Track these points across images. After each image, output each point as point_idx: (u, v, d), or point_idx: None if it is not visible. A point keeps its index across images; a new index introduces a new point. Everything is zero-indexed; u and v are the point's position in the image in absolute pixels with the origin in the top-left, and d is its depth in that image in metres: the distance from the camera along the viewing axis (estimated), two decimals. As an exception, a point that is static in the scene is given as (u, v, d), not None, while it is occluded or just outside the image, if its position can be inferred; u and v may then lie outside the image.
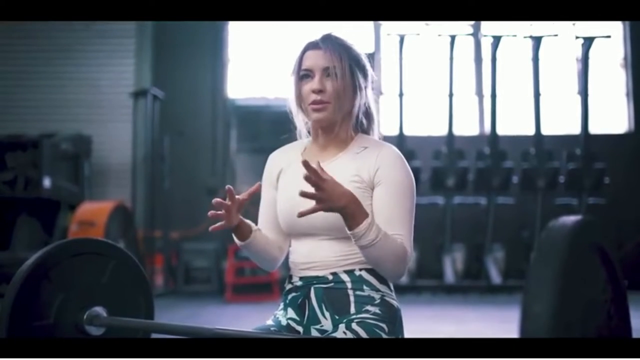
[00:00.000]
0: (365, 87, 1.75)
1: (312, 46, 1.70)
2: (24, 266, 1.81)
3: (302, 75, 1.69)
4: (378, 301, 1.67)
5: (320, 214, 1.57)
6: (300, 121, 1.79)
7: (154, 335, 1.98)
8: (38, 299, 1.80)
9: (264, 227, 1.82)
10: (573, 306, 1.11)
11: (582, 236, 1.19)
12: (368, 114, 1.80)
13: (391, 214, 1.63)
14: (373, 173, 1.66)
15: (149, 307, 2.04)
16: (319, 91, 1.66)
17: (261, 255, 1.78)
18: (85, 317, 1.84)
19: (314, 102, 1.67)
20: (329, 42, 1.69)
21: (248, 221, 1.75)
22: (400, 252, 1.60)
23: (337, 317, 1.67)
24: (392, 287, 1.73)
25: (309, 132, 1.81)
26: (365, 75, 1.74)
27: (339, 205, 1.50)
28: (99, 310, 1.86)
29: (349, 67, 1.68)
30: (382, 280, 1.70)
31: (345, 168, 1.69)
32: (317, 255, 1.69)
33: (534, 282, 1.07)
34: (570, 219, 1.18)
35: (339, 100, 1.67)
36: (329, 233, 1.68)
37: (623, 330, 1.36)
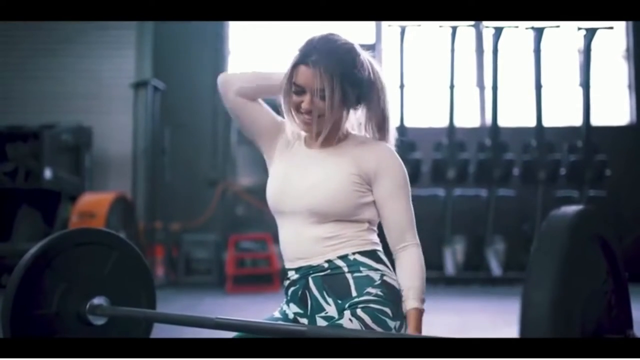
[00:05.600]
0: (363, 97, 1.73)
1: (304, 61, 1.67)
2: (26, 255, 1.82)
3: (295, 89, 1.70)
4: (378, 282, 1.68)
5: (307, 194, 1.68)
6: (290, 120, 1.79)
7: (156, 334, 1.98)
8: (40, 289, 1.80)
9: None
10: (574, 295, 1.10)
11: (583, 226, 1.18)
12: (382, 121, 1.78)
13: (399, 209, 1.71)
14: (373, 169, 1.71)
15: (150, 299, 2.04)
16: (309, 111, 1.69)
17: (258, 84, 1.86)
18: (87, 307, 1.85)
19: (303, 120, 1.72)
20: (321, 61, 1.65)
21: None
22: (422, 261, 1.72)
23: (340, 302, 1.67)
24: (390, 267, 1.73)
25: None
26: (360, 85, 1.70)
27: None
28: (101, 300, 1.87)
29: (340, 86, 1.66)
30: (379, 260, 1.72)
31: (345, 160, 1.73)
32: (307, 242, 1.71)
33: (535, 271, 1.07)
34: (572, 208, 1.18)
35: (328, 116, 1.69)
36: (313, 215, 1.69)
37: (624, 321, 1.36)
